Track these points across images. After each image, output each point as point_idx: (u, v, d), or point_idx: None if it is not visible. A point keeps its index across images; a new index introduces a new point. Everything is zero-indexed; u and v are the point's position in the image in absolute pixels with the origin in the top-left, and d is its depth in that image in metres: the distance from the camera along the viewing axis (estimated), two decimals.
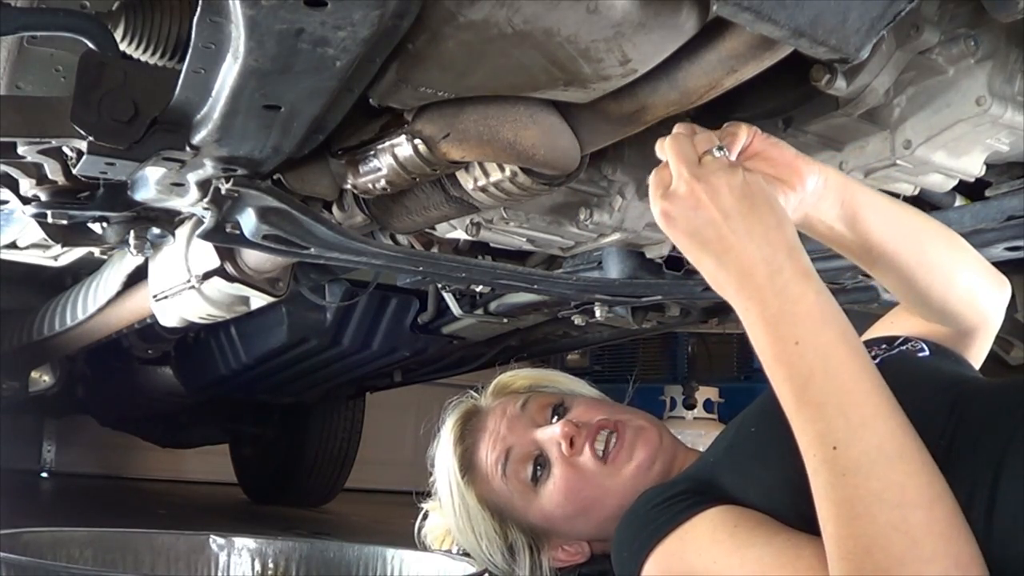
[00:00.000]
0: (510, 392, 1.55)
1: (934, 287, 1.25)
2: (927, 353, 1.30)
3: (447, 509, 1.51)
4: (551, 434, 1.41)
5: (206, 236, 1.56)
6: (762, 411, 1.27)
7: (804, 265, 1.00)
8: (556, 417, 1.45)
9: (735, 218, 0.99)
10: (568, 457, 1.39)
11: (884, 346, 1.30)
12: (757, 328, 0.99)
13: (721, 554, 1.13)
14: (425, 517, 1.62)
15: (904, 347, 1.30)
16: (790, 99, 1.39)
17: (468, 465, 1.47)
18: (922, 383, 1.13)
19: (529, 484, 1.42)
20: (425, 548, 1.60)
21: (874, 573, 0.91)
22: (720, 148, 1.03)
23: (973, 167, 1.42)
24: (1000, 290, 1.35)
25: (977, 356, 1.38)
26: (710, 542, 1.15)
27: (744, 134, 1.08)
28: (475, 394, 1.58)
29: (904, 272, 1.22)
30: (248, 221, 1.50)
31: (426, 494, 1.60)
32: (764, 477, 1.17)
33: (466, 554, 1.53)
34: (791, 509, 1.11)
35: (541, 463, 1.42)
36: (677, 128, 1.08)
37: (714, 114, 1.42)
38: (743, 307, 1.01)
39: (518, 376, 1.59)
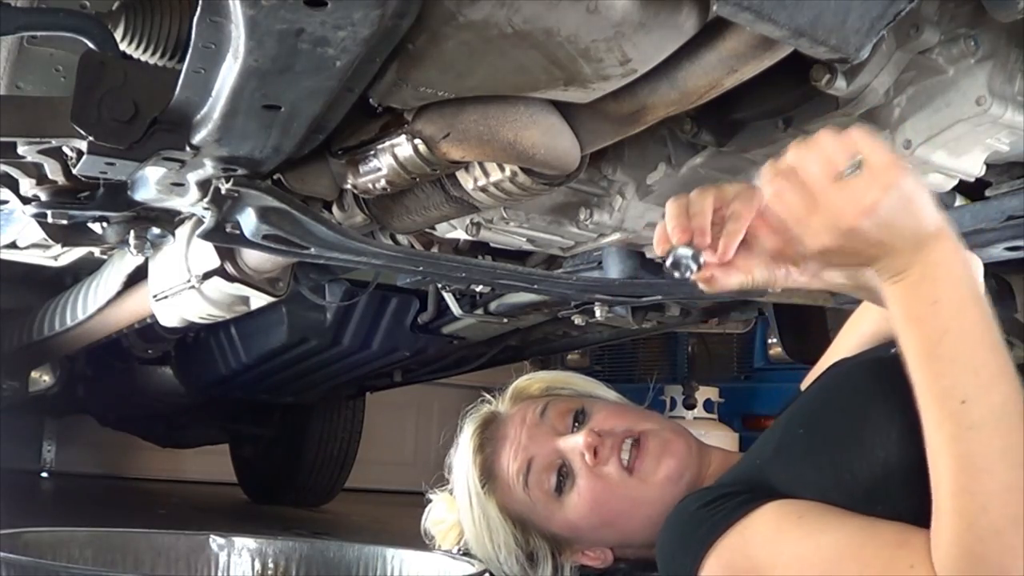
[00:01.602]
0: (527, 397, 1.53)
1: None
2: None
3: (465, 519, 1.50)
4: (574, 444, 1.39)
5: (206, 236, 1.56)
6: (809, 412, 1.26)
7: (945, 232, 1.01)
8: (577, 424, 1.43)
9: (889, 227, 0.99)
10: (593, 467, 1.37)
11: None
12: (898, 292, 1.02)
13: (791, 541, 1.12)
14: (431, 509, 1.62)
15: None
16: (790, 99, 1.39)
17: (489, 474, 1.46)
18: None
19: (552, 494, 1.41)
20: (429, 537, 1.60)
21: (987, 531, 0.92)
22: (856, 166, 0.98)
23: (973, 167, 1.42)
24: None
25: None
26: (776, 532, 1.14)
27: (746, 216, 1.07)
28: (491, 399, 1.57)
29: None
30: (248, 221, 1.50)
31: (432, 486, 1.60)
32: (817, 478, 1.16)
33: (466, 553, 1.53)
34: (845, 509, 1.11)
35: (564, 473, 1.40)
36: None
37: (714, 114, 1.42)
38: (888, 280, 1.02)
39: (534, 380, 1.57)
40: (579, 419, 1.44)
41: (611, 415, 1.43)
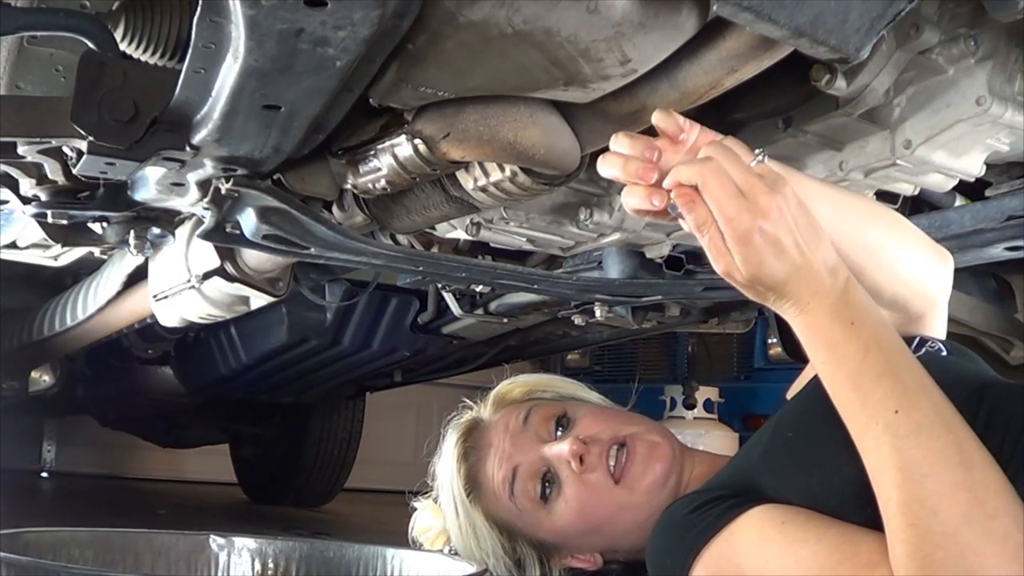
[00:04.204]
0: (510, 403, 1.53)
1: (881, 275, 1.23)
2: (946, 353, 1.30)
3: (452, 527, 1.49)
4: (559, 451, 1.39)
5: (206, 236, 1.56)
6: (798, 416, 1.26)
7: (841, 260, 1.04)
8: (560, 429, 1.43)
9: (801, 229, 1.01)
10: (579, 475, 1.37)
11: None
12: (814, 318, 1.02)
13: (773, 552, 1.12)
14: (417, 518, 1.61)
15: (926, 348, 1.29)
16: (790, 99, 1.39)
17: (473, 483, 1.45)
18: (952, 385, 1.11)
19: (538, 502, 1.40)
20: (416, 545, 1.59)
21: (942, 534, 0.92)
22: (763, 154, 1.02)
23: (973, 167, 1.42)
24: (944, 266, 1.34)
25: (938, 335, 1.37)
26: (759, 540, 1.14)
27: (677, 119, 1.07)
28: (473, 404, 1.56)
29: (853, 260, 1.18)
30: (248, 221, 1.50)
31: (416, 493, 1.60)
32: (804, 481, 1.16)
33: (456, 554, 1.52)
34: (833, 513, 1.11)
35: (550, 480, 1.40)
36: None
37: (714, 114, 1.42)
38: (805, 306, 1.03)
39: (516, 384, 1.57)
40: (562, 424, 1.43)
41: (595, 420, 1.43)
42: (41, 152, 1.45)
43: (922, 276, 1.30)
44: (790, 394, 1.41)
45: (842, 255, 1.14)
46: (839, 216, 1.18)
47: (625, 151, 1.05)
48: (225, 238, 1.56)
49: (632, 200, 1.05)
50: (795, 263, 1.00)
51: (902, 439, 0.96)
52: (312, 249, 1.65)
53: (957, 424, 0.97)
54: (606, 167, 1.06)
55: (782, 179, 1.01)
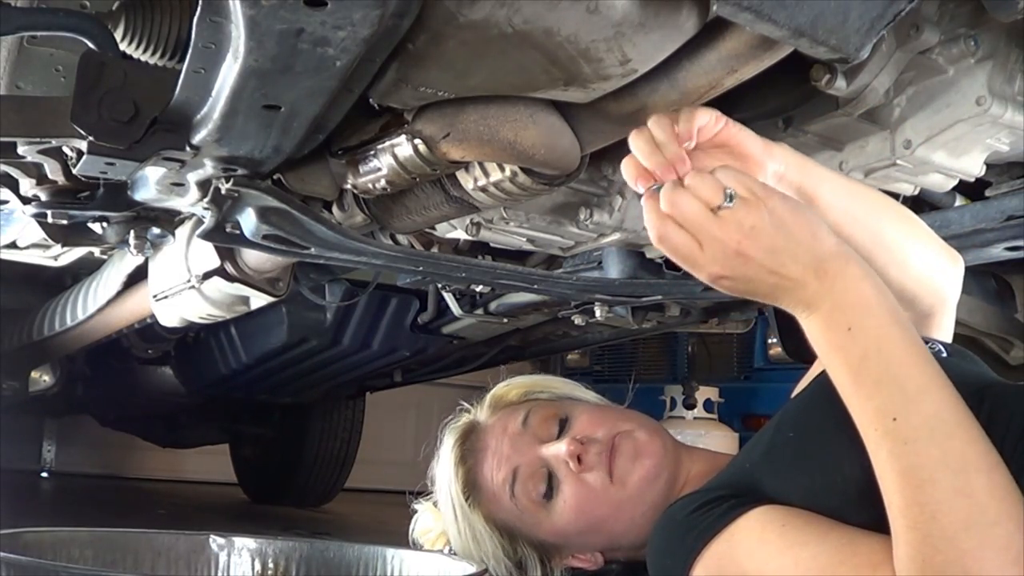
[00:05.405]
0: (507, 405, 1.53)
1: (891, 268, 1.23)
2: (946, 355, 1.30)
3: (451, 530, 1.50)
4: (557, 452, 1.40)
5: (206, 236, 1.56)
6: (799, 415, 1.26)
7: (845, 254, 1.03)
8: (559, 430, 1.43)
9: (779, 252, 1.01)
10: (577, 474, 1.38)
11: None
12: (813, 325, 1.03)
13: (772, 554, 1.12)
14: (417, 520, 1.62)
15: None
16: (790, 99, 1.39)
17: (472, 486, 1.46)
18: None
19: (538, 502, 1.41)
20: (417, 547, 1.60)
21: (941, 539, 0.92)
22: (731, 197, 1.01)
23: (973, 167, 1.42)
24: (954, 266, 1.34)
25: (944, 336, 1.38)
26: (759, 542, 1.14)
27: (701, 116, 1.09)
28: (470, 407, 1.56)
29: (863, 253, 1.18)
30: (248, 221, 1.50)
31: (417, 494, 1.60)
32: (806, 481, 1.16)
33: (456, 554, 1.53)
34: (835, 513, 1.11)
35: (551, 480, 1.41)
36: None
37: None
38: (801, 313, 1.04)
39: (512, 386, 1.57)
40: (560, 424, 1.44)
41: (592, 420, 1.43)
42: (41, 152, 1.45)
43: (931, 273, 1.30)
44: (795, 393, 1.41)
45: (852, 247, 1.15)
46: (854, 209, 1.19)
47: (661, 137, 1.08)
48: (225, 238, 1.56)
49: (626, 172, 1.10)
50: (774, 287, 1.02)
51: (900, 445, 0.96)
52: (312, 249, 1.65)
53: (963, 427, 0.97)
54: (635, 143, 1.09)
55: (753, 213, 1.00)
